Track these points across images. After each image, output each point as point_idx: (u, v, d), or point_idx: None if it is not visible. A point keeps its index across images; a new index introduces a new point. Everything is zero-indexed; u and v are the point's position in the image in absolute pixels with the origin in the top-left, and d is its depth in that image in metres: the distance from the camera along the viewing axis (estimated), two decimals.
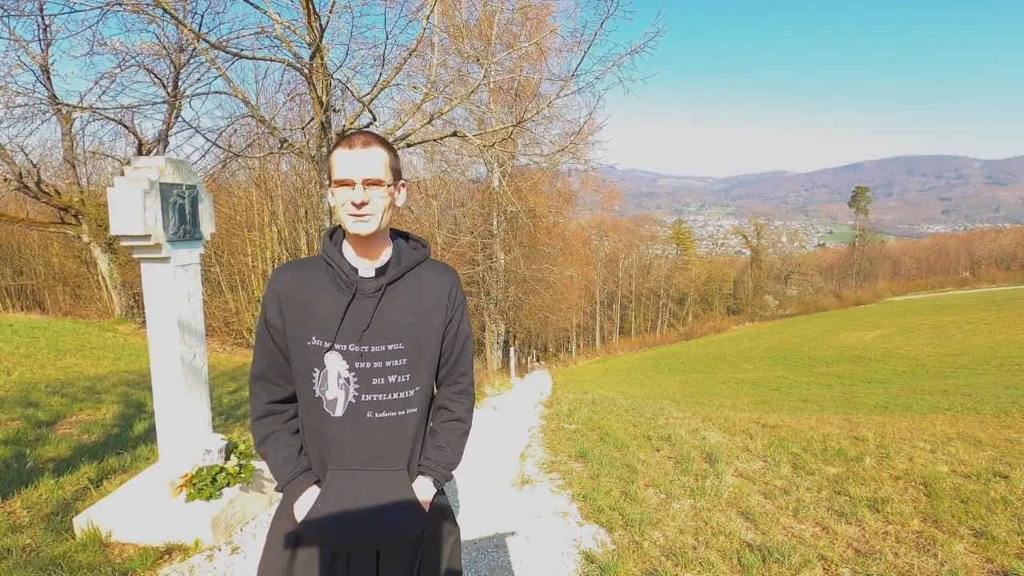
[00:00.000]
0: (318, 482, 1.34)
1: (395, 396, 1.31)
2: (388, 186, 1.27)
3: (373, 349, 1.29)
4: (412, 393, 1.33)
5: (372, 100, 6.03)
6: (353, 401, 1.28)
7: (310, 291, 1.30)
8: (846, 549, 2.91)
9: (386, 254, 1.36)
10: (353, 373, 1.28)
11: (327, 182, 1.30)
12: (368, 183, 1.24)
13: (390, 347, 1.30)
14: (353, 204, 1.23)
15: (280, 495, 1.38)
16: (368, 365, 1.28)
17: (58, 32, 10.98)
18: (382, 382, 1.29)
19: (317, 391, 1.29)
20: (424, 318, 1.34)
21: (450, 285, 1.39)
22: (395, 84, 6.38)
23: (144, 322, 6.08)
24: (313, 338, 1.28)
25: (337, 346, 1.27)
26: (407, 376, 1.32)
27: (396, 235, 1.42)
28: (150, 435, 4.53)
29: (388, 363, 1.30)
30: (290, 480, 1.33)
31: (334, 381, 1.29)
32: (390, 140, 5.38)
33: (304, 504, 1.31)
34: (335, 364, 1.28)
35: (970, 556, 2.77)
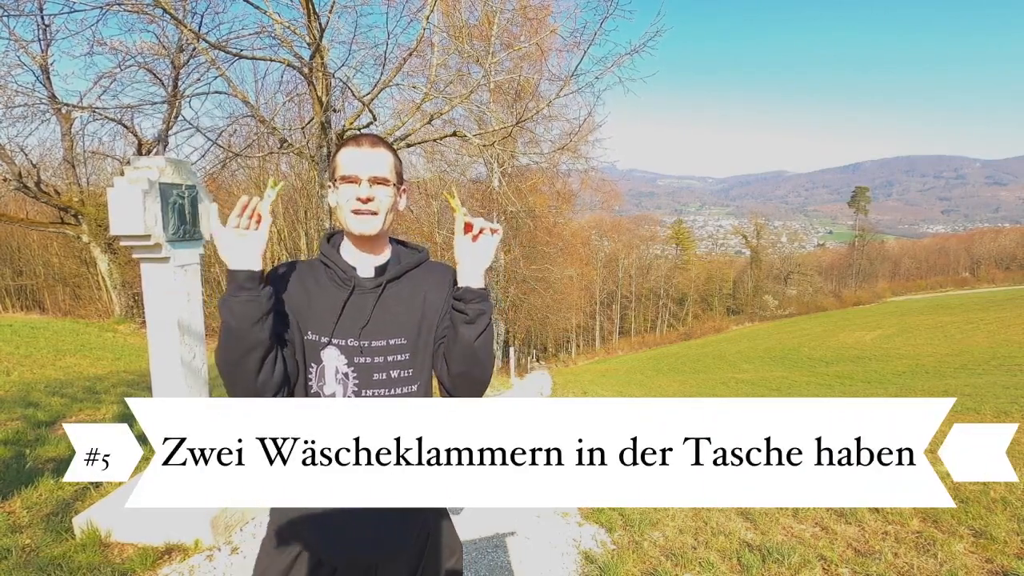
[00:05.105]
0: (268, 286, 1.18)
1: (397, 391, 1.28)
2: (393, 186, 1.27)
3: (374, 344, 1.26)
4: (415, 387, 1.30)
5: (372, 100, 6.03)
6: (352, 397, 1.26)
7: (308, 287, 1.29)
8: (846, 549, 2.91)
9: (385, 255, 1.35)
10: (352, 368, 1.25)
11: (330, 182, 1.29)
12: (374, 181, 1.24)
13: (391, 341, 1.27)
14: (359, 200, 1.22)
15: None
16: (368, 360, 1.26)
17: (58, 32, 10.97)
18: (383, 377, 1.26)
19: (314, 386, 1.27)
20: (425, 314, 1.32)
21: (450, 284, 1.39)
22: (395, 84, 6.38)
23: (144, 322, 6.08)
24: (309, 333, 1.26)
25: (335, 340, 1.25)
26: (409, 371, 1.29)
27: (395, 242, 1.41)
28: None
29: (390, 357, 1.27)
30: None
31: (332, 376, 1.26)
32: (390, 140, 5.39)
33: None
34: (333, 359, 1.26)
35: (970, 556, 2.77)
